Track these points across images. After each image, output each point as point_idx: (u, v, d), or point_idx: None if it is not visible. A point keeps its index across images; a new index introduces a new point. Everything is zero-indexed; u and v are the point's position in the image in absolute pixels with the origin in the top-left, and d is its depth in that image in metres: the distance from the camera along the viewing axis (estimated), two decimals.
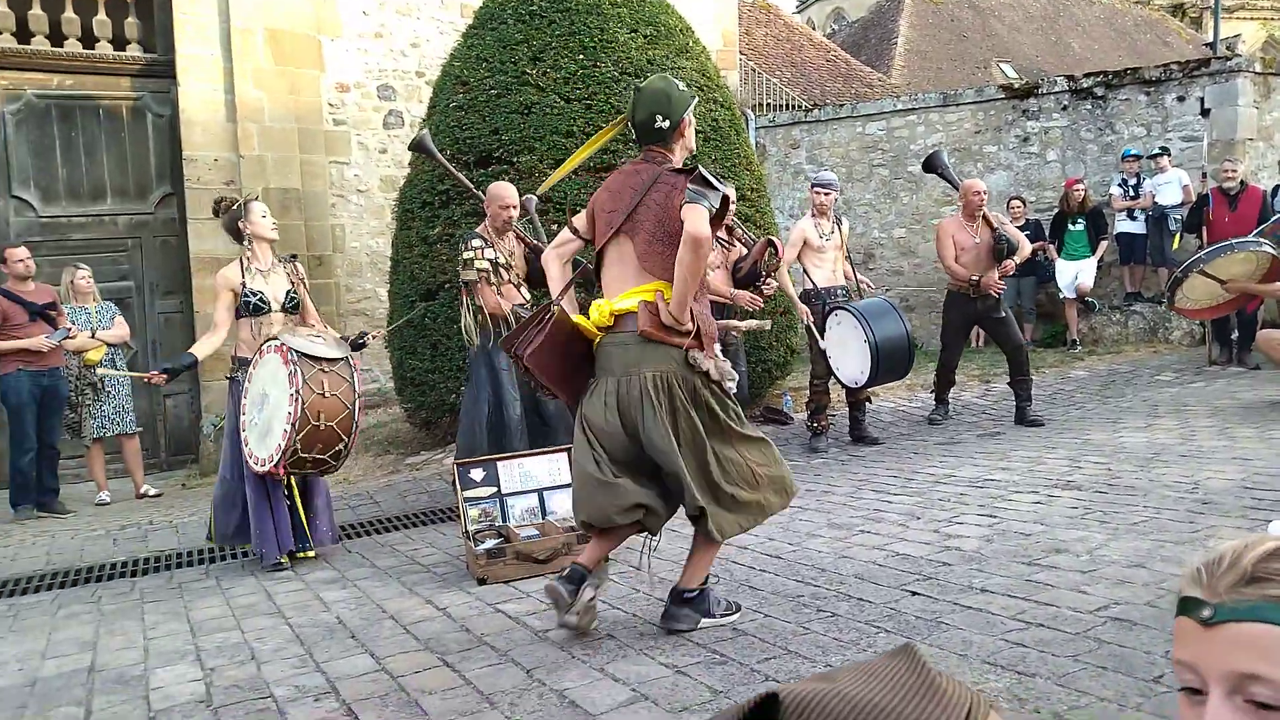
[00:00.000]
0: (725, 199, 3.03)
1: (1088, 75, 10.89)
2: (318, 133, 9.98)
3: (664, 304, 3.02)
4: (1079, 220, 9.68)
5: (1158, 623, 2.79)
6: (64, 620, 4.07)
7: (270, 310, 4.70)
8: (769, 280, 5.36)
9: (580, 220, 3.35)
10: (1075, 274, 9.69)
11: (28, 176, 9.06)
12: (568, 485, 4.56)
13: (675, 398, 3.05)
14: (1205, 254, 6.71)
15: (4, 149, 8.95)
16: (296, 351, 4.35)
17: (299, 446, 4.33)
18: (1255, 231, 7.17)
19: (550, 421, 5.23)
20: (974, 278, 6.50)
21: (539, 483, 4.58)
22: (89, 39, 9.22)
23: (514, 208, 5.10)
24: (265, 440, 4.45)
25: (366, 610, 3.81)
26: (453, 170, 5.62)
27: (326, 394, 4.37)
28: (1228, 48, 19.77)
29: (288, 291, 4.78)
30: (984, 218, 6.60)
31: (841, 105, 12.90)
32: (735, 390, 3.20)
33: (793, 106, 14.88)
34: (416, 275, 6.92)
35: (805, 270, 6.48)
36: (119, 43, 9.40)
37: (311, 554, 4.75)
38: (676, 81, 3.20)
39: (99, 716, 2.90)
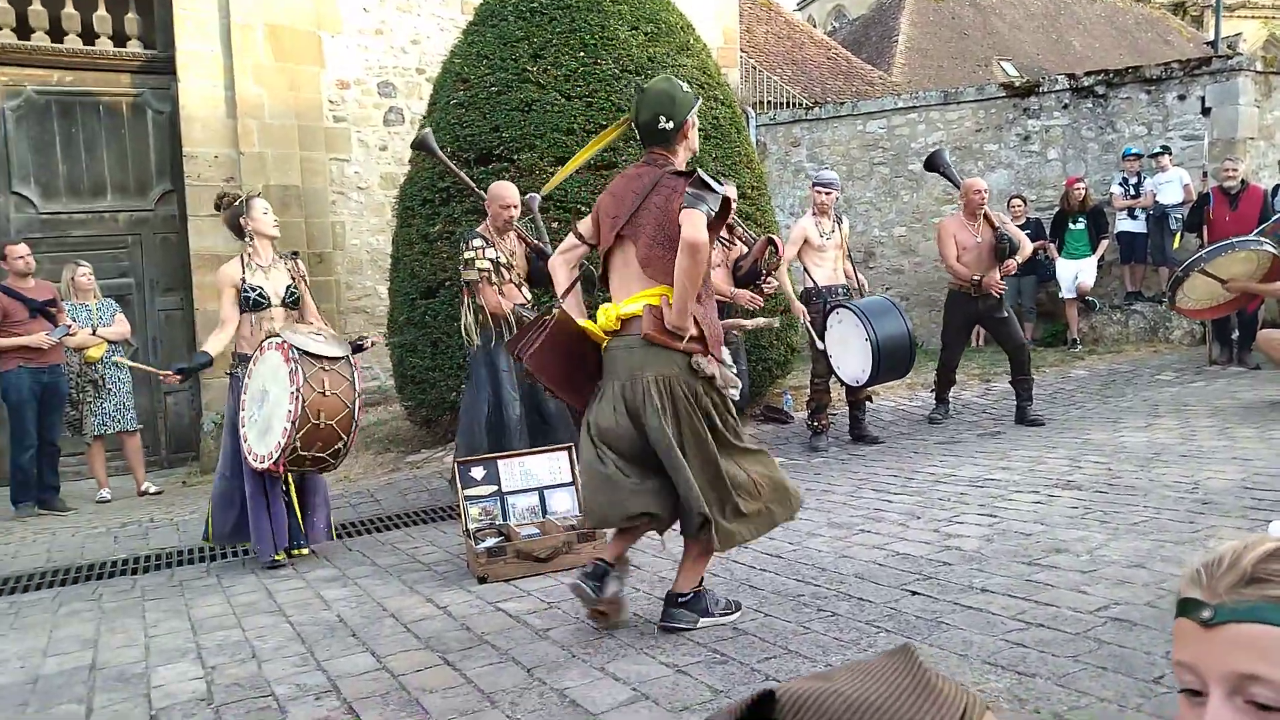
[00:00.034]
0: (726, 201, 3.03)
1: (1089, 74, 10.88)
2: (318, 129, 9.97)
3: (668, 308, 3.02)
4: (1080, 219, 9.67)
5: (1158, 623, 2.79)
6: (65, 618, 4.08)
7: (270, 305, 4.71)
8: (769, 279, 5.37)
9: (585, 225, 3.36)
10: (1076, 273, 9.69)
11: (28, 173, 9.06)
12: (568, 484, 4.59)
13: (678, 402, 3.05)
14: (1206, 253, 6.71)
15: (4, 145, 8.94)
16: (297, 349, 4.36)
17: (299, 444, 4.33)
18: (1256, 231, 7.17)
19: (551, 421, 5.23)
20: (976, 277, 6.49)
21: (539, 481, 4.58)
22: (89, 35, 9.22)
23: (515, 207, 5.10)
24: (265, 437, 4.45)
25: (367, 608, 3.81)
26: (455, 169, 5.61)
27: (327, 392, 4.37)
28: (1229, 46, 19.76)
29: (288, 287, 4.78)
30: (985, 217, 6.60)
31: (842, 103, 12.89)
32: (736, 396, 3.19)
33: (793, 104, 14.87)
34: (417, 273, 6.92)
35: (806, 269, 6.48)
36: (119, 39, 9.40)
37: (305, 551, 4.75)
38: (680, 83, 3.20)
39: (100, 714, 2.90)
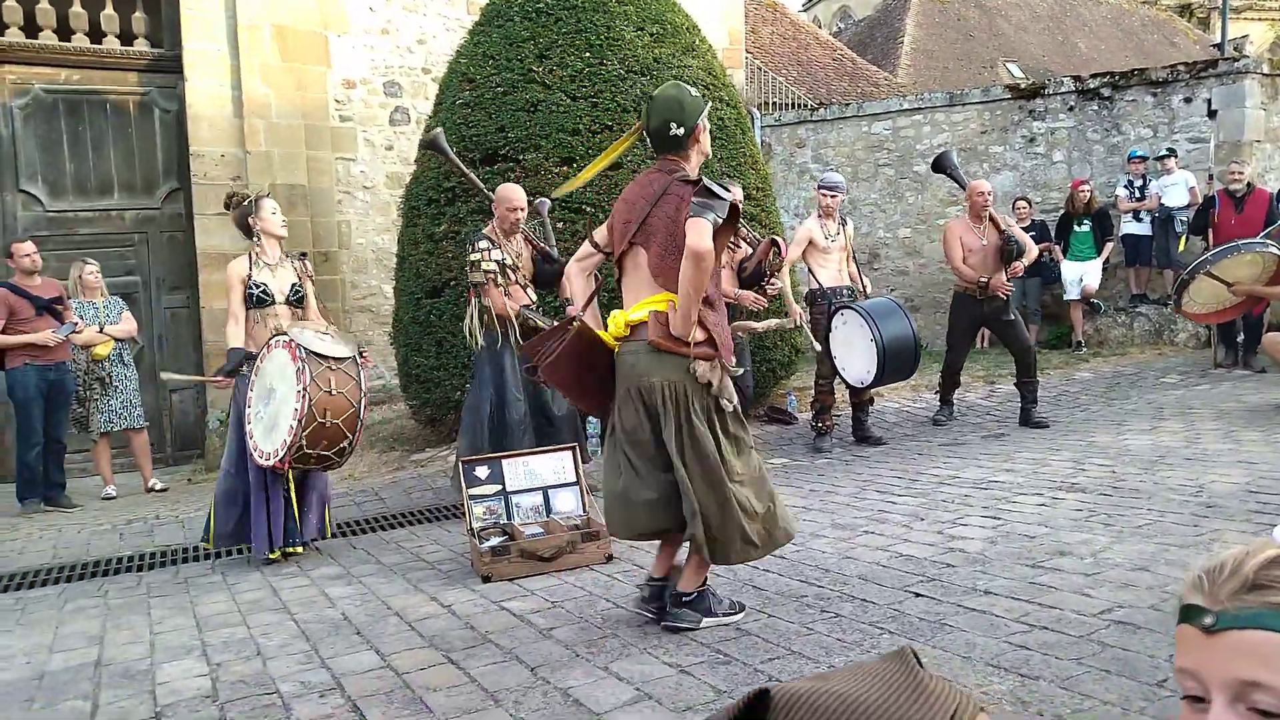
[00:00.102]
0: (734, 208, 3.04)
1: (1094, 76, 10.87)
2: (324, 129, 9.99)
3: (674, 314, 3.04)
4: (1085, 221, 9.66)
5: (1161, 626, 2.79)
6: (71, 614, 4.10)
7: (274, 303, 4.74)
8: (773, 280, 5.37)
9: (600, 233, 3.38)
10: (1081, 275, 9.68)
11: (35, 171, 9.08)
12: (572, 483, 4.60)
13: (680, 409, 3.07)
14: (1211, 255, 6.70)
15: (12, 144, 8.97)
16: (305, 348, 4.38)
17: (304, 442, 4.35)
18: (1262, 234, 7.16)
19: (556, 423, 5.25)
20: (982, 279, 6.49)
21: (544, 481, 4.59)
22: (96, 34, 9.24)
23: (522, 210, 5.12)
24: (271, 435, 4.47)
25: (371, 607, 3.82)
26: (465, 170, 5.63)
27: (333, 391, 4.39)
28: (1235, 48, 19.73)
29: (293, 285, 4.81)
30: (992, 219, 6.60)
31: (847, 104, 12.89)
32: (728, 409, 3.17)
33: (798, 105, 14.87)
34: (422, 272, 6.93)
35: (811, 271, 6.48)
36: (126, 38, 9.42)
37: (300, 549, 4.75)
38: (689, 87, 3.21)
39: (106, 711, 2.91)
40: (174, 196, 9.68)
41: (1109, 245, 9.75)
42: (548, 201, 5.62)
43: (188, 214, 9.55)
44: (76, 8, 9.10)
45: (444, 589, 4.00)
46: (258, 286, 4.70)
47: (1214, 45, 23.05)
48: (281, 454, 4.37)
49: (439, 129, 5.88)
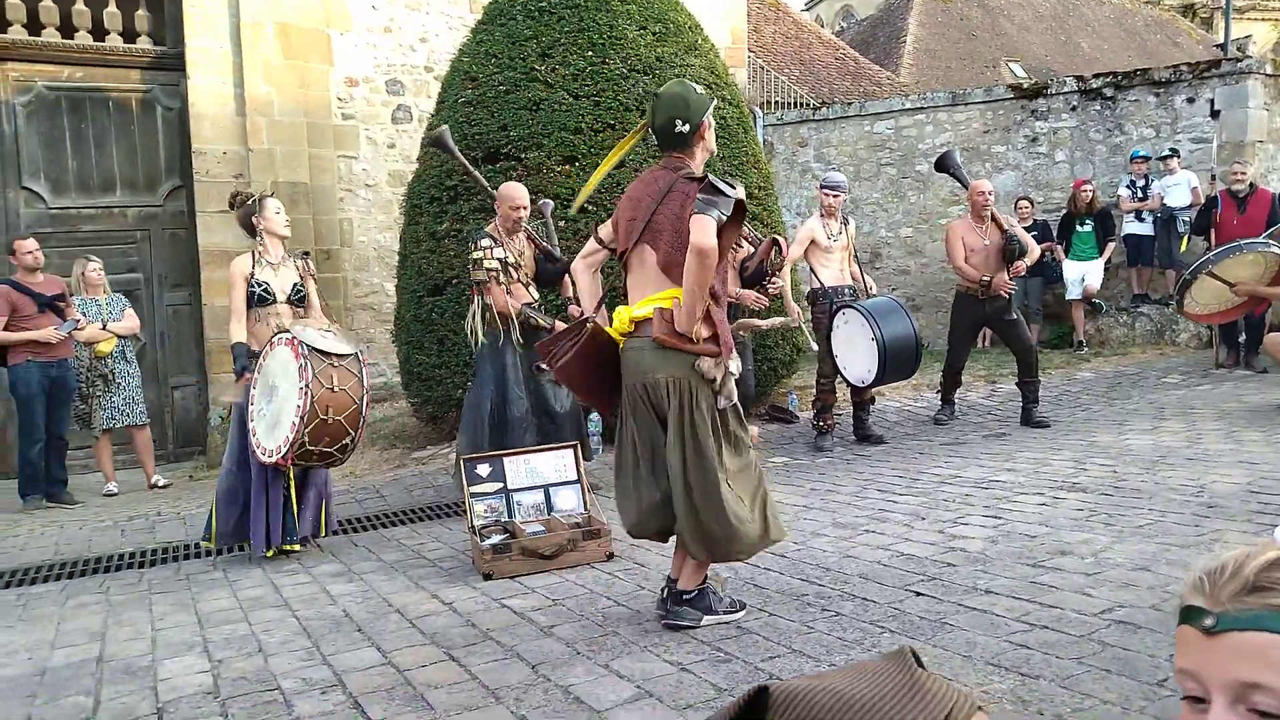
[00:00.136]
0: (739, 204, 3.05)
1: (1097, 76, 10.85)
2: (326, 127, 10.00)
3: (678, 310, 3.05)
4: (1087, 221, 9.65)
5: (1162, 626, 2.79)
6: (73, 610, 4.10)
7: (275, 302, 4.74)
8: (774, 279, 5.38)
9: (605, 230, 3.39)
10: (1082, 275, 9.67)
11: (38, 168, 9.09)
12: (574, 481, 4.61)
13: (684, 405, 3.08)
14: (1214, 255, 6.70)
15: (14, 141, 8.98)
16: (307, 345, 4.39)
17: (307, 439, 4.36)
18: (1264, 234, 7.15)
19: (558, 420, 5.25)
20: (985, 278, 6.50)
21: (545, 479, 4.59)
22: (99, 31, 9.25)
23: (524, 208, 5.13)
24: (274, 432, 4.48)
25: (373, 604, 3.83)
26: (470, 168, 5.64)
27: (335, 389, 4.40)
28: (1238, 49, 19.70)
29: (294, 284, 4.82)
30: (994, 219, 6.60)
31: (849, 104, 12.88)
32: (722, 405, 3.18)
33: (801, 104, 14.86)
34: (424, 270, 6.94)
35: (813, 270, 6.49)
36: (129, 35, 9.43)
37: (296, 547, 4.76)
38: (694, 85, 3.22)
39: (107, 707, 2.92)
40: (176, 194, 9.69)
41: (1111, 245, 9.74)
42: (550, 203, 5.64)
43: (190, 211, 9.56)
44: (79, 5, 9.11)
45: (445, 586, 4.00)
46: (260, 285, 4.71)
47: (1217, 45, 23.01)
48: (284, 451, 4.38)
49: (444, 126, 5.88)
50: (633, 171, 5.93)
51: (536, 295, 5.33)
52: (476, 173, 5.70)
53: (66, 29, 9.11)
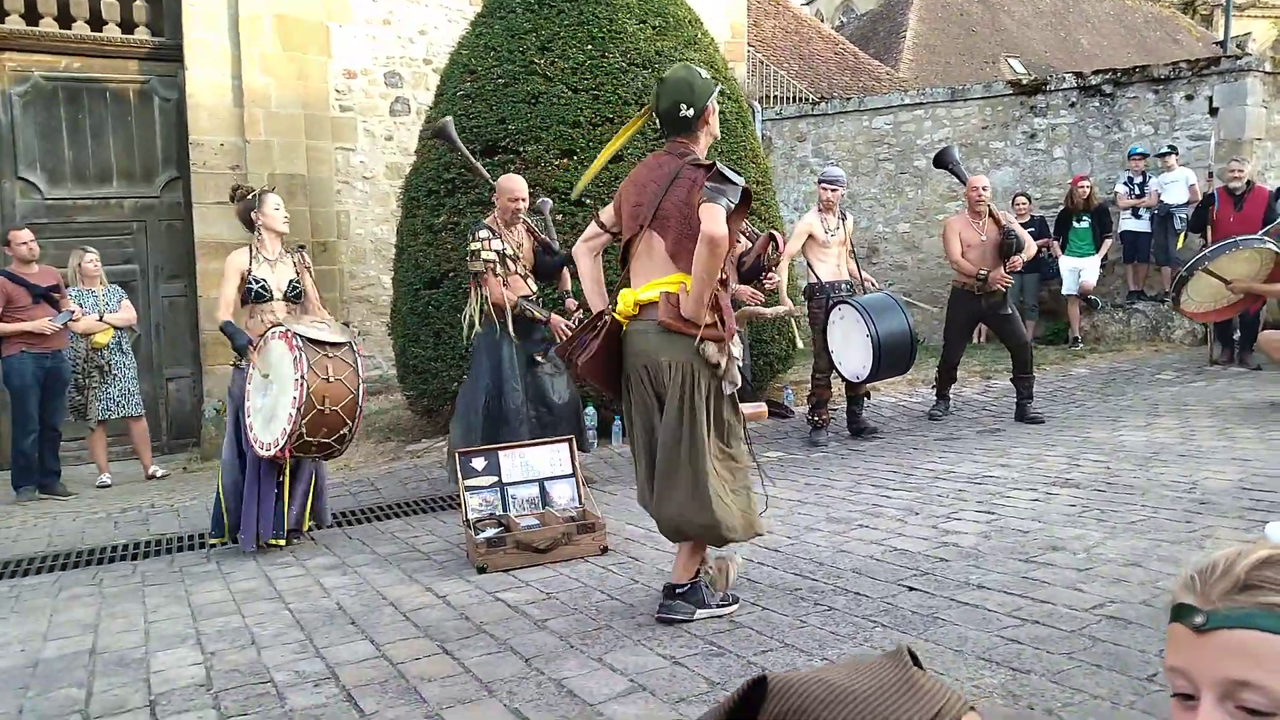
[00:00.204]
0: (746, 193, 3.07)
1: (1096, 72, 10.85)
2: (324, 119, 9.98)
3: (685, 295, 3.06)
4: (1084, 218, 9.66)
5: (1153, 622, 2.80)
6: (65, 602, 4.10)
7: (271, 299, 4.73)
8: (771, 275, 5.38)
9: (607, 213, 3.39)
10: (1079, 271, 9.68)
11: (34, 158, 9.07)
12: (568, 475, 4.61)
13: (685, 388, 3.09)
14: (1210, 251, 6.70)
15: (11, 131, 8.95)
16: (301, 336, 4.38)
17: (304, 431, 4.36)
18: (1261, 231, 7.15)
19: (556, 411, 5.26)
20: (982, 272, 6.50)
21: (540, 473, 4.60)
22: (97, 21, 9.22)
23: (523, 200, 5.13)
24: (270, 425, 4.47)
25: (366, 597, 3.83)
26: (474, 161, 5.64)
27: (331, 379, 4.40)
28: (1238, 46, 19.71)
29: (291, 280, 4.80)
30: (991, 215, 6.60)
31: (849, 99, 12.87)
32: (727, 391, 3.20)
33: (800, 99, 14.84)
34: (421, 263, 6.93)
35: (810, 265, 6.49)
36: (127, 26, 9.40)
37: (282, 542, 4.75)
38: (699, 70, 3.22)
39: (100, 699, 2.92)
40: (173, 185, 9.67)
41: (1107, 242, 9.75)
42: (549, 201, 5.65)
43: (186, 203, 9.54)
44: None
45: (439, 580, 4.01)
46: (257, 282, 4.69)
47: (1216, 43, 23.01)
48: (282, 443, 4.37)
49: (448, 118, 5.86)
50: (632, 163, 5.92)
51: (534, 288, 5.33)
52: (478, 164, 5.69)
53: (64, 19, 9.09)
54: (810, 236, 6.41)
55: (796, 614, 3.18)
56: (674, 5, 7.45)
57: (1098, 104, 10.44)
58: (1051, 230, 9.91)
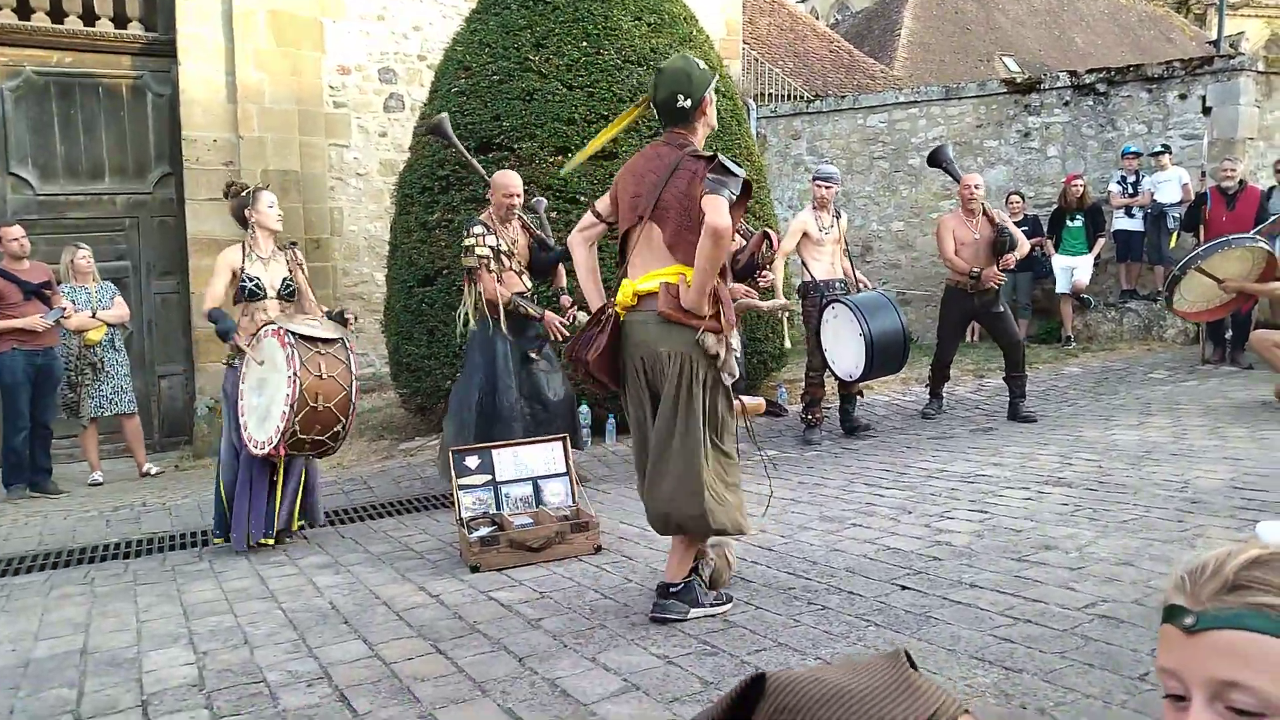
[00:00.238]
0: (747, 184, 3.08)
1: (1090, 71, 10.87)
2: (318, 115, 9.95)
3: (685, 286, 3.05)
4: (1077, 216, 9.68)
5: (1144, 621, 2.81)
6: (56, 601, 4.08)
7: (265, 297, 4.71)
8: (765, 273, 5.38)
9: (603, 203, 3.38)
10: (1072, 270, 9.70)
11: (26, 154, 9.03)
12: (562, 474, 4.60)
13: (683, 378, 3.09)
14: (1202, 250, 6.72)
15: (2, 126, 8.91)
16: (293, 334, 4.37)
17: (298, 428, 4.35)
18: (1253, 231, 7.18)
19: (551, 408, 5.25)
20: (975, 270, 6.51)
21: (534, 471, 4.59)
22: (90, 16, 9.18)
23: (518, 196, 5.12)
24: (264, 424, 4.46)
25: (359, 596, 3.82)
26: (469, 157, 5.63)
27: (324, 375, 4.39)
28: (1231, 45, 19.75)
29: (284, 279, 4.79)
30: (985, 213, 6.61)
31: (843, 97, 12.87)
32: (728, 382, 3.21)
33: (794, 97, 14.85)
34: (414, 260, 6.92)
35: (804, 263, 6.49)
36: (120, 21, 9.36)
37: (271, 542, 4.73)
38: (697, 60, 3.22)
39: (91, 699, 2.91)
40: (165, 181, 9.64)
41: (1100, 240, 9.77)
42: (544, 200, 5.63)
43: (179, 199, 9.51)
44: None
45: (432, 579, 4.00)
46: (250, 280, 4.67)
47: (1210, 42, 23.08)
48: (275, 441, 4.36)
49: (444, 114, 5.85)
50: (625, 157, 5.92)
51: (530, 284, 5.32)
52: (473, 160, 5.68)
53: (56, 14, 9.05)
54: (805, 234, 6.41)
55: (790, 613, 3.19)
56: (669, 2, 7.44)
57: (1091, 103, 10.46)
58: (1045, 229, 9.92)
